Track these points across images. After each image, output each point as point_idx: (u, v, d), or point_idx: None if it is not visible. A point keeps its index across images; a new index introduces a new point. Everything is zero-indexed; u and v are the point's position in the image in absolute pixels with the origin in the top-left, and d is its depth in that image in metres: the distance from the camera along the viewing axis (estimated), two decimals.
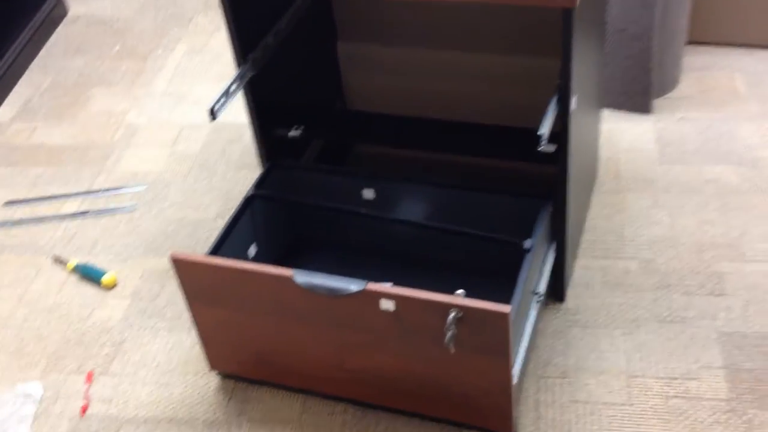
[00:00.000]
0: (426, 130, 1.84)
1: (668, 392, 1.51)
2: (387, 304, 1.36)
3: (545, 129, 1.40)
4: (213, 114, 1.52)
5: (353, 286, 1.36)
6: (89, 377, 1.65)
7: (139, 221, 2.03)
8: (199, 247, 1.93)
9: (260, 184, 1.70)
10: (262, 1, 1.61)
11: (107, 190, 2.13)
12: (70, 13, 2.94)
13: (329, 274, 1.39)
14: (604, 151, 2.05)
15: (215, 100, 1.52)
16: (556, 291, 1.70)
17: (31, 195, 2.15)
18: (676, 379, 1.53)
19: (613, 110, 2.17)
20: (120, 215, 2.05)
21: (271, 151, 1.76)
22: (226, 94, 1.55)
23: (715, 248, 1.77)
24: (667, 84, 2.19)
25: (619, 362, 1.57)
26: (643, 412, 1.48)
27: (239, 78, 1.59)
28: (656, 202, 1.90)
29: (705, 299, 1.67)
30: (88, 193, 2.13)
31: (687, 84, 2.23)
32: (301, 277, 1.39)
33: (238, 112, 2.23)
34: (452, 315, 1.31)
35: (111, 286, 1.85)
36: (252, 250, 1.68)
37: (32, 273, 1.92)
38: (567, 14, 1.36)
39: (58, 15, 2.89)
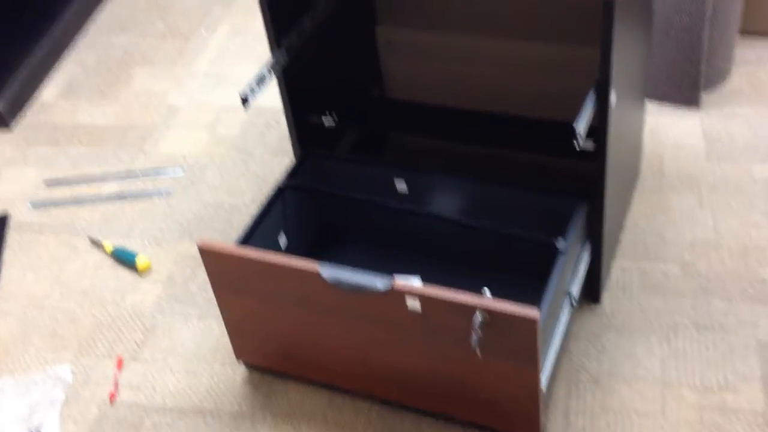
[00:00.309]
0: (463, 121, 1.80)
1: (703, 403, 1.46)
2: (413, 303, 1.33)
3: (581, 126, 1.35)
4: (245, 102, 1.50)
5: (379, 283, 1.34)
6: (119, 363, 1.66)
7: (176, 205, 2.03)
8: (233, 232, 1.93)
9: (293, 174, 1.68)
10: None
11: (146, 173, 2.14)
12: None
13: (356, 269, 1.37)
14: (648, 146, 1.98)
15: (247, 87, 1.50)
16: (592, 292, 1.65)
17: (71, 175, 2.17)
18: (712, 389, 1.48)
19: (658, 103, 2.10)
20: (157, 198, 2.06)
21: (306, 139, 1.74)
22: (259, 81, 1.53)
23: (760, 252, 1.71)
24: (717, 77, 2.11)
25: (654, 369, 1.53)
26: (676, 423, 1.44)
27: (272, 65, 1.57)
28: (701, 202, 1.83)
29: (746, 306, 1.61)
30: (126, 175, 2.14)
31: (738, 77, 2.15)
32: (327, 272, 1.38)
33: (277, 95, 2.22)
34: (478, 317, 1.28)
35: (145, 271, 1.86)
36: (282, 240, 1.67)
37: (69, 254, 1.94)
38: (608, 5, 1.31)
39: None
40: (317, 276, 1.38)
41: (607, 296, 1.67)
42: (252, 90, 1.50)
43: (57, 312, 1.80)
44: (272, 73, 1.56)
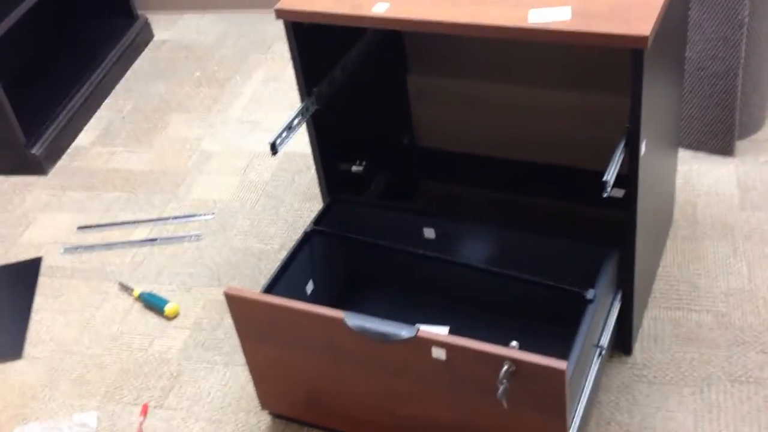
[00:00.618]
0: (492, 169, 1.79)
1: None
2: (438, 353, 1.31)
3: (610, 175, 1.34)
4: (274, 149, 1.51)
5: (405, 332, 1.33)
6: (144, 410, 1.66)
7: (205, 250, 2.05)
8: (261, 278, 1.93)
9: (320, 219, 1.68)
10: (329, 34, 1.60)
11: (176, 217, 2.16)
12: (156, 38, 3.02)
13: (381, 318, 1.36)
14: (682, 193, 1.96)
15: (277, 135, 1.51)
16: (623, 343, 1.62)
17: (104, 220, 2.19)
18: None
19: (692, 151, 2.08)
20: (187, 243, 2.07)
21: (335, 185, 1.75)
22: (289, 128, 1.54)
23: None
24: (752, 125, 2.08)
25: (687, 423, 1.48)
26: None
27: (302, 112, 1.58)
28: (735, 251, 1.79)
29: None
30: (158, 219, 2.16)
31: None
32: (353, 320, 1.36)
33: (307, 141, 2.23)
34: (505, 368, 1.26)
35: (173, 316, 1.87)
36: (309, 287, 1.66)
37: (99, 299, 1.96)
38: (637, 56, 1.30)
39: (144, 39, 2.97)
40: (342, 324, 1.37)
41: (639, 347, 1.63)
42: (282, 137, 1.51)
43: (85, 358, 1.81)
44: (302, 120, 1.57)
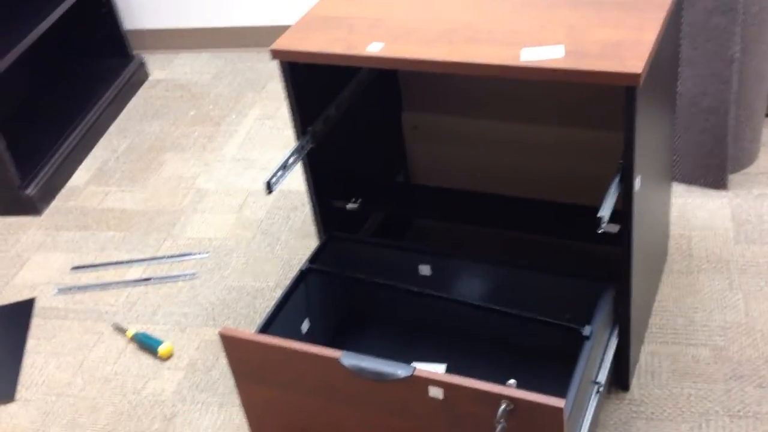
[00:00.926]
0: (487, 206, 1.79)
1: None
2: (435, 392, 1.30)
3: (605, 211, 1.34)
4: (269, 188, 1.51)
5: (401, 371, 1.32)
6: None
7: (200, 289, 2.04)
8: (257, 316, 1.92)
9: (315, 257, 1.68)
10: (324, 74, 1.61)
11: (171, 256, 2.15)
12: (151, 77, 3.04)
13: (377, 357, 1.35)
14: (676, 228, 1.96)
15: (272, 174, 1.51)
16: (620, 379, 1.61)
17: (98, 259, 2.19)
18: None
19: (686, 185, 2.09)
20: (182, 282, 2.07)
21: (330, 222, 1.75)
22: (284, 167, 1.54)
23: None
24: (745, 159, 2.09)
25: None
26: None
27: (297, 151, 1.58)
28: (731, 285, 1.79)
29: None
30: (152, 259, 2.15)
31: (766, 159, 2.13)
32: (349, 360, 1.35)
33: (303, 179, 2.23)
34: (503, 407, 1.25)
35: (167, 357, 1.85)
36: (305, 325, 1.65)
37: (93, 340, 1.94)
38: (630, 92, 1.31)
39: (139, 79, 2.99)
40: (338, 364, 1.36)
41: (636, 382, 1.62)
42: (277, 176, 1.52)
43: (78, 400, 1.79)
44: (297, 159, 1.57)
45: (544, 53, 1.37)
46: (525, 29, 1.45)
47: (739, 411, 1.54)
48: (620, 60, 1.32)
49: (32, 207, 2.39)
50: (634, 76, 1.29)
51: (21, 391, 1.84)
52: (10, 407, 1.80)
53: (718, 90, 1.92)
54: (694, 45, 1.90)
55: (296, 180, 2.29)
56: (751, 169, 2.10)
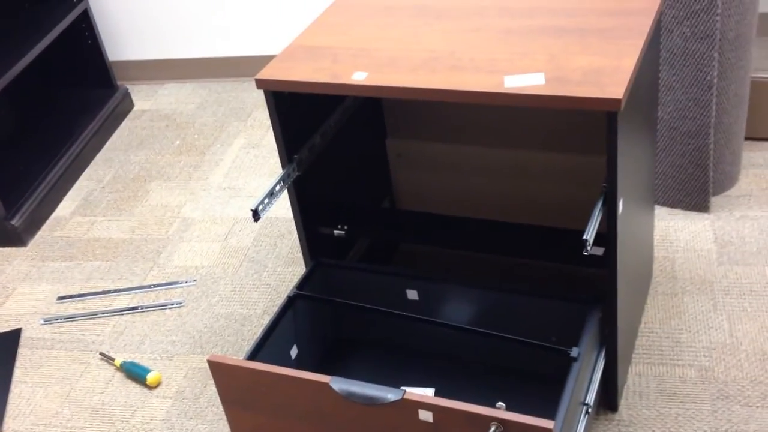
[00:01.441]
0: (472, 231, 1.81)
1: None
2: (425, 415, 1.31)
3: (590, 233, 1.36)
4: (256, 215, 1.52)
5: (391, 395, 1.32)
6: None
7: (188, 317, 2.04)
8: (245, 344, 1.92)
9: (303, 283, 1.68)
10: (309, 102, 1.63)
11: (158, 285, 2.15)
12: (136, 108, 3.05)
13: (366, 382, 1.36)
14: (660, 250, 1.98)
15: (258, 201, 1.52)
16: (609, 400, 1.62)
17: (84, 289, 2.18)
18: None
19: (669, 208, 2.12)
20: (169, 310, 2.06)
21: (317, 249, 1.75)
22: (270, 194, 1.56)
23: None
24: (726, 181, 2.12)
25: None
26: None
27: (283, 179, 1.60)
28: (715, 306, 1.82)
29: (767, 412, 1.57)
30: (139, 288, 2.15)
31: (746, 181, 2.16)
32: (339, 385, 1.36)
33: (289, 206, 2.24)
34: (492, 429, 1.25)
35: (155, 386, 1.85)
36: (294, 351, 1.65)
37: (80, 370, 1.93)
38: (611, 117, 1.34)
39: (123, 109, 3.00)
40: (328, 389, 1.36)
41: (625, 403, 1.63)
42: (263, 204, 1.53)
43: (66, 430, 1.78)
44: (283, 186, 1.58)
45: (526, 80, 1.40)
46: (506, 57, 1.47)
47: (726, 430, 1.55)
48: (601, 86, 1.34)
49: (17, 238, 2.38)
50: (615, 101, 1.31)
51: (8, 422, 1.82)
52: None
53: (698, 114, 1.96)
54: (673, 71, 1.94)
55: (282, 207, 2.30)
56: (732, 192, 2.14)
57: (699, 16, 1.85)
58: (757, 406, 1.58)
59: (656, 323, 1.80)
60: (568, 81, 1.37)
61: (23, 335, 2.06)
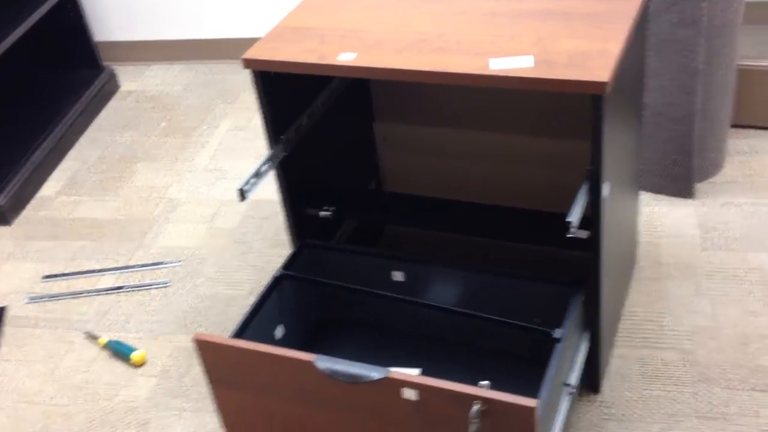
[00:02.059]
0: (458, 213, 1.82)
1: None
2: (409, 393, 1.32)
3: (574, 216, 1.37)
4: (242, 195, 1.52)
5: (375, 373, 1.33)
6: None
7: (173, 297, 2.03)
8: (230, 324, 1.93)
9: (289, 264, 1.69)
10: (296, 83, 1.62)
11: (143, 265, 2.15)
12: (122, 89, 3.03)
13: (351, 361, 1.36)
14: (644, 235, 2.00)
15: (245, 181, 1.52)
16: (591, 382, 1.64)
17: (69, 269, 2.17)
18: None
19: (653, 194, 2.13)
20: (154, 290, 2.06)
21: (303, 230, 1.76)
22: (257, 175, 1.55)
23: (759, 340, 1.70)
24: (710, 168, 2.14)
25: None
26: None
27: (270, 159, 1.59)
28: (698, 290, 1.83)
29: (747, 395, 1.59)
30: (125, 268, 2.15)
31: (731, 168, 2.18)
32: (323, 363, 1.36)
33: (275, 188, 2.25)
34: (476, 407, 1.26)
35: (140, 364, 1.85)
36: (279, 331, 1.66)
37: (64, 349, 1.93)
38: (597, 100, 1.35)
39: (109, 90, 2.98)
40: (313, 367, 1.36)
41: (607, 385, 1.65)
42: (250, 184, 1.53)
43: (49, 408, 1.78)
44: (270, 167, 1.58)
45: (512, 63, 1.40)
46: (493, 40, 1.48)
47: (707, 412, 1.57)
48: (587, 69, 1.35)
49: (2, 217, 2.37)
50: (601, 85, 1.32)
51: None
52: None
53: (684, 101, 1.97)
54: (660, 56, 1.95)
55: (268, 190, 2.30)
56: (717, 178, 2.15)
57: (686, 2, 1.85)
58: (738, 389, 1.60)
59: (639, 307, 1.81)
60: (554, 64, 1.38)
61: (7, 314, 2.05)
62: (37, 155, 2.55)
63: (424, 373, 1.68)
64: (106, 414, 1.74)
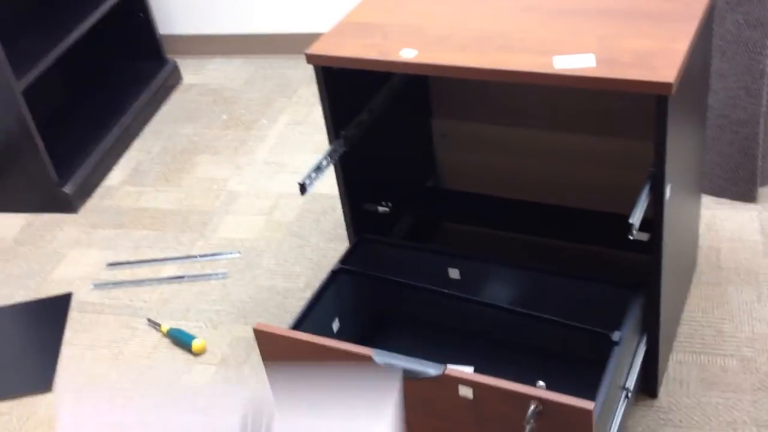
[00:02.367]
0: (516, 212, 1.82)
1: None
2: (465, 391, 1.32)
3: (636, 218, 1.36)
4: (303, 189, 1.54)
5: (432, 369, 1.34)
6: None
7: (232, 287, 2.07)
8: (287, 316, 1.96)
9: (347, 258, 1.71)
10: (357, 79, 1.64)
11: (204, 255, 2.19)
12: (184, 82, 3.09)
13: (409, 356, 1.38)
14: (705, 239, 1.97)
15: (305, 175, 1.54)
16: (648, 386, 1.62)
17: (133, 257, 2.23)
18: None
19: (715, 197, 2.10)
20: (214, 281, 2.10)
21: (361, 225, 1.77)
22: (317, 169, 1.58)
23: None
24: None
25: None
26: None
27: (330, 154, 1.61)
28: (759, 297, 1.80)
29: None
30: (185, 257, 2.20)
31: None
32: (381, 358, 1.38)
33: (333, 183, 2.26)
34: (532, 408, 1.27)
35: (200, 353, 1.89)
36: (335, 324, 1.68)
37: (128, 334, 1.98)
38: (662, 101, 1.33)
39: (172, 83, 3.04)
40: (371, 361, 1.38)
41: (664, 390, 1.63)
42: (310, 178, 1.55)
43: (113, 391, 1.83)
44: (330, 161, 1.60)
45: (575, 61, 1.40)
46: (556, 38, 1.47)
47: (766, 421, 1.55)
48: (652, 69, 1.34)
49: (69, 205, 2.44)
50: (667, 85, 1.31)
51: (58, 381, 1.88)
52: (48, 397, 1.85)
53: (749, 103, 1.93)
54: (725, 58, 1.91)
55: (326, 184, 2.32)
56: None
57: (753, 2, 1.82)
58: None
59: (699, 312, 1.79)
60: (619, 63, 1.37)
61: (74, 299, 2.11)
62: (103, 145, 2.61)
63: (478, 371, 1.68)
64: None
